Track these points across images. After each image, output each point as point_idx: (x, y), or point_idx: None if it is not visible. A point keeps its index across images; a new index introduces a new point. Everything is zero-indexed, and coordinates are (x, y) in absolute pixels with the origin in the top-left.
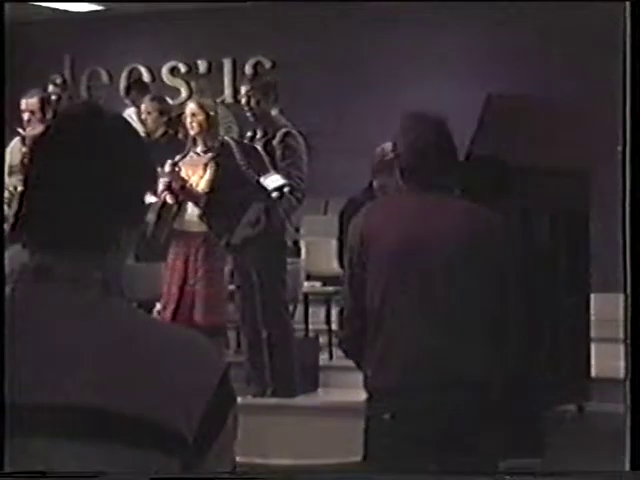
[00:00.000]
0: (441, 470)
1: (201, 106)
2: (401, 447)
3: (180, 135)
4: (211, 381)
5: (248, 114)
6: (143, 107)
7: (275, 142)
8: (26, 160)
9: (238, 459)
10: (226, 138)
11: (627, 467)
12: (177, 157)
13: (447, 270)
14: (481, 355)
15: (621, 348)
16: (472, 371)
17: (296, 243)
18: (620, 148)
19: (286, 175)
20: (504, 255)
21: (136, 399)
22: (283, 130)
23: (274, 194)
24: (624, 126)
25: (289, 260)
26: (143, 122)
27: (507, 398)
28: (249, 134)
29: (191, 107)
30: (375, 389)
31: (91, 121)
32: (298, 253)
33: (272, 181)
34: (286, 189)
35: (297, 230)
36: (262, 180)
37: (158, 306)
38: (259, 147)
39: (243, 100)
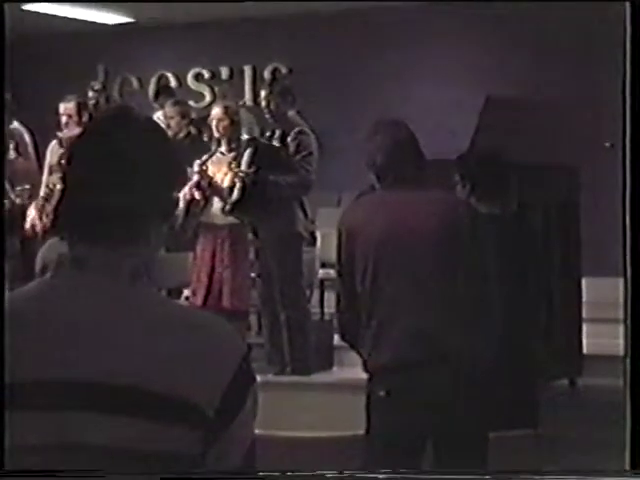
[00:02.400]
0: (441, 470)
1: (226, 112)
2: (397, 421)
3: (205, 136)
4: (232, 362)
5: (267, 116)
6: (166, 111)
7: (289, 139)
8: (63, 160)
9: (257, 432)
10: (246, 137)
11: (627, 467)
12: (204, 157)
13: (428, 254)
14: (467, 333)
15: (609, 328)
16: (459, 347)
17: (312, 234)
18: (608, 144)
19: (296, 168)
20: (477, 238)
21: (163, 377)
22: (297, 129)
23: None
24: (624, 123)
25: (306, 249)
26: (168, 125)
27: (499, 372)
28: (268, 133)
29: (217, 112)
30: (371, 368)
31: (124, 123)
32: (314, 243)
33: None
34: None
35: (312, 222)
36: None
37: (186, 292)
38: (276, 143)
39: (263, 103)
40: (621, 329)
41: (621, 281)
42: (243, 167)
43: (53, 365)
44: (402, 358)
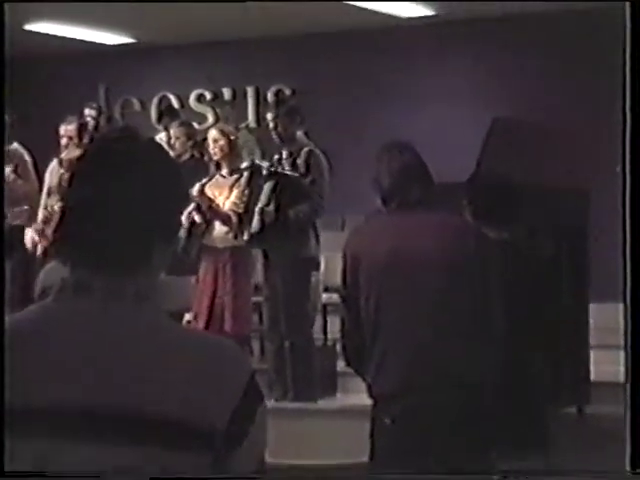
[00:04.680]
0: (441, 470)
1: (222, 132)
2: (402, 449)
3: (206, 158)
4: (240, 382)
5: (275, 137)
6: (172, 132)
7: (300, 161)
8: (64, 182)
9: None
10: (257, 162)
11: (627, 467)
12: (204, 180)
13: (433, 280)
14: (474, 359)
15: (620, 354)
16: (465, 374)
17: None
18: (619, 169)
19: (311, 195)
20: (485, 263)
21: (169, 402)
22: (306, 149)
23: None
24: (623, 139)
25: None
26: (172, 146)
27: (506, 399)
28: (276, 156)
29: (213, 134)
30: (376, 394)
31: (127, 145)
32: (317, 267)
33: None
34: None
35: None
36: None
37: (187, 316)
38: (287, 167)
39: (270, 125)
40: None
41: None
42: (263, 202)
43: (56, 391)
44: (407, 384)
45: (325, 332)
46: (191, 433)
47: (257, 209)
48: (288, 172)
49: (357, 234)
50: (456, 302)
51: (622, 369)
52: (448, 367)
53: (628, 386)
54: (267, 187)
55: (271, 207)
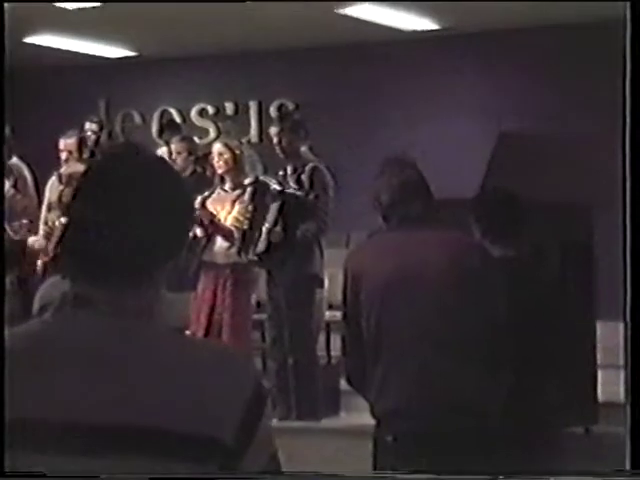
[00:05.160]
0: (441, 470)
1: (227, 146)
2: (404, 468)
3: (208, 173)
4: (247, 387)
5: (279, 152)
6: (173, 147)
7: (304, 176)
8: (64, 197)
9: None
10: (261, 178)
11: (627, 467)
12: (205, 193)
13: (436, 298)
14: (477, 379)
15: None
16: (469, 394)
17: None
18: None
19: (309, 201)
20: (490, 281)
21: (177, 414)
22: (311, 165)
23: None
24: (623, 148)
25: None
26: (173, 161)
27: (510, 419)
28: (281, 172)
29: (218, 147)
30: (378, 414)
31: (133, 160)
32: (321, 284)
33: None
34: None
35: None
36: None
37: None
38: (292, 184)
39: (274, 140)
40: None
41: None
42: (270, 222)
43: (56, 407)
44: (409, 404)
45: (328, 350)
46: (199, 443)
47: (264, 229)
48: (295, 192)
49: (357, 251)
50: (459, 321)
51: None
52: (451, 387)
53: (628, 385)
54: (274, 207)
55: (278, 228)
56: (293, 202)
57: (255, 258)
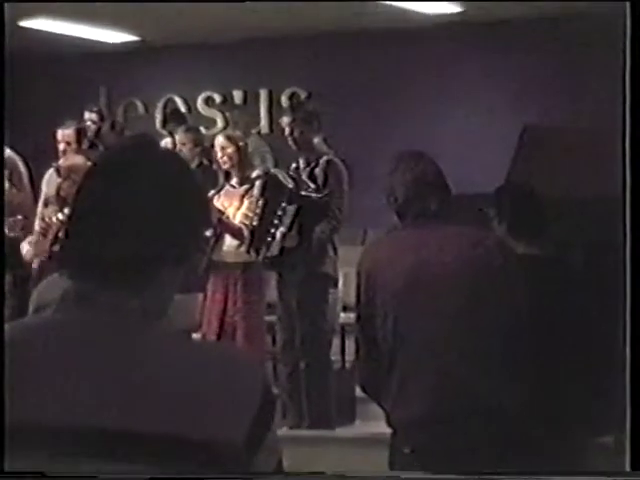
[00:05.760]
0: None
1: (229, 138)
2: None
3: (215, 166)
4: (256, 388)
5: (291, 143)
6: (177, 138)
7: (318, 170)
8: (62, 191)
9: None
10: (272, 170)
11: (627, 467)
12: (213, 190)
13: (455, 298)
14: (500, 385)
15: None
16: (491, 400)
17: (335, 273)
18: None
19: (325, 203)
20: (512, 280)
21: (188, 419)
22: (325, 158)
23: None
24: (623, 143)
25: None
26: None
27: (536, 427)
28: (293, 165)
29: (219, 141)
30: (395, 423)
31: (141, 153)
32: (335, 284)
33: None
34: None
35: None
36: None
37: (195, 337)
38: (305, 178)
39: (286, 131)
40: None
41: None
42: (285, 226)
43: (56, 407)
44: (428, 413)
45: (343, 354)
46: (202, 448)
47: (279, 234)
48: (312, 194)
49: (371, 250)
50: (480, 323)
51: None
52: (473, 394)
53: (628, 385)
54: (290, 211)
55: (294, 232)
56: (310, 206)
57: (266, 261)
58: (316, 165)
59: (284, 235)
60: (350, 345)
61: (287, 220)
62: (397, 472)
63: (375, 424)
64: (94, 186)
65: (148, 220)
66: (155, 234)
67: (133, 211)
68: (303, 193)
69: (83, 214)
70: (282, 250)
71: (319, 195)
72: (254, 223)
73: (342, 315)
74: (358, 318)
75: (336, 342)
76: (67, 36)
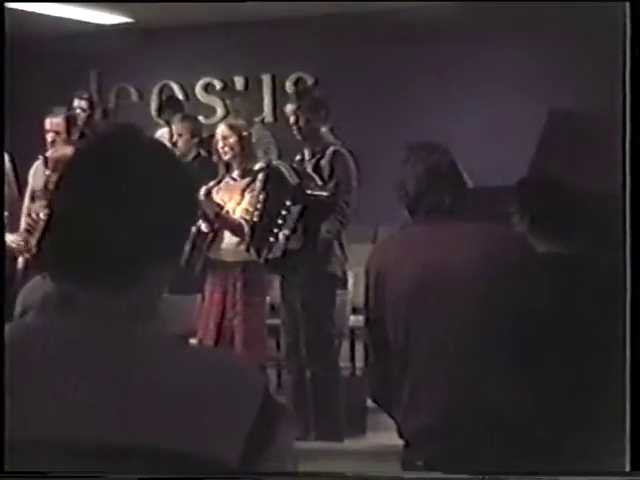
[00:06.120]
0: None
1: (232, 127)
2: None
3: (214, 157)
4: (253, 399)
5: (295, 133)
6: (174, 128)
7: (323, 161)
8: (50, 184)
9: None
10: (274, 162)
11: (627, 467)
12: (212, 183)
13: (471, 300)
14: (521, 394)
15: None
16: (511, 411)
17: (343, 274)
18: None
19: (333, 201)
20: (533, 281)
21: (174, 431)
22: (332, 148)
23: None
24: (623, 141)
25: (336, 292)
26: (174, 144)
27: (558, 439)
28: (297, 157)
29: (222, 130)
30: (406, 434)
31: (125, 144)
32: (345, 285)
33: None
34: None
35: (346, 259)
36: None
37: (193, 342)
38: (310, 170)
39: (291, 119)
40: None
41: None
42: (289, 227)
43: (38, 420)
44: (442, 423)
45: (353, 360)
46: (197, 463)
47: (282, 235)
48: (318, 193)
49: (381, 248)
50: (498, 328)
51: None
52: (489, 404)
53: (628, 384)
54: (294, 211)
55: (298, 233)
56: (316, 206)
57: (268, 263)
58: (322, 156)
59: (287, 237)
60: (361, 350)
61: (291, 221)
62: (399, 473)
63: (388, 435)
64: (74, 180)
65: (133, 215)
66: (141, 230)
67: (117, 206)
68: (309, 192)
69: (63, 210)
70: (285, 252)
71: (326, 193)
72: (255, 219)
73: (352, 318)
74: (367, 321)
75: (346, 347)
76: (53, 17)
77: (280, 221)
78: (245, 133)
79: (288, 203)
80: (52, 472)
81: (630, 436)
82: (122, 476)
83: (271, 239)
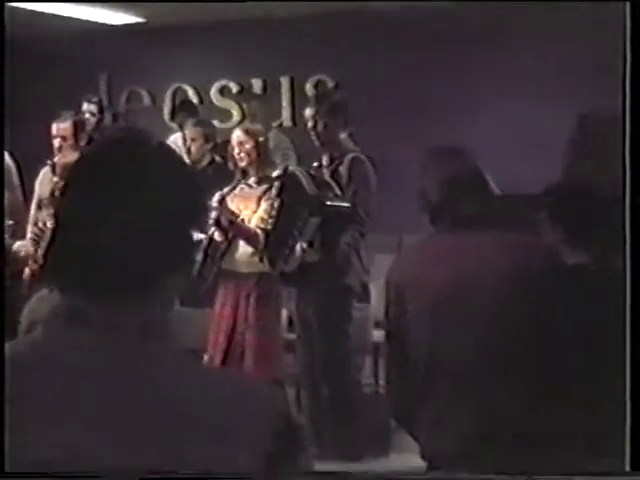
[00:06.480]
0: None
1: (248, 132)
2: None
3: (230, 164)
4: (272, 427)
5: (313, 139)
6: (187, 133)
7: (342, 168)
8: (57, 192)
9: None
10: (290, 168)
11: (627, 467)
12: (226, 189)
13: (497, 315)
14: (549, 413)
15: None
16: (543, 435)
17: (365, 286)
18: None
19: (352, 208)
20: (564, 295)
21: (188, 456)
22: (351, 155)
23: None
24: (623, 141)
25: (357, 305)
26: (188, 150)
27: (586, 460)
28: (315, 164)
29: (237, 135)
30: (430, 456)
31: (133, 150)
32: (367, 297)
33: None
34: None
35: (366, 271)
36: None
37: (205, 358)
38: (328, 178)
39: (309, 124)
40: None
41: None
42: (307, 238)
43: (45, 442)
44: (468, 446)
45: (376, 377)
46: None
47: (298, 247)
48: (338, 204)
49: (402, 259)
50: (526, 346)
51: None
52: (519, 425)
53: (628, 385)
54: (312, 223)
55: (316, 246)
56: (335, 216)
57: (283, 276)
58: (340, 163)
59: (305, 249)
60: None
61: (309, 232)
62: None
63: (412, 457)
64: (80, 188)
65: (142, 224)
66: (151, 239)
67: (125, 214)
68: (328, 203)
69: (69, 219)
70: (302, 265)
71: (346, 204)
72: (268, 227)
73: (375, 332)
74: (388, 336)
75: (368, 363)
76: (61, 16)
77: (297, 232)
78: (262, 138)
79: (305, 213)
80: (52, 472)
81: (630, 436)
82: (122, 476)
83: (287, 251)
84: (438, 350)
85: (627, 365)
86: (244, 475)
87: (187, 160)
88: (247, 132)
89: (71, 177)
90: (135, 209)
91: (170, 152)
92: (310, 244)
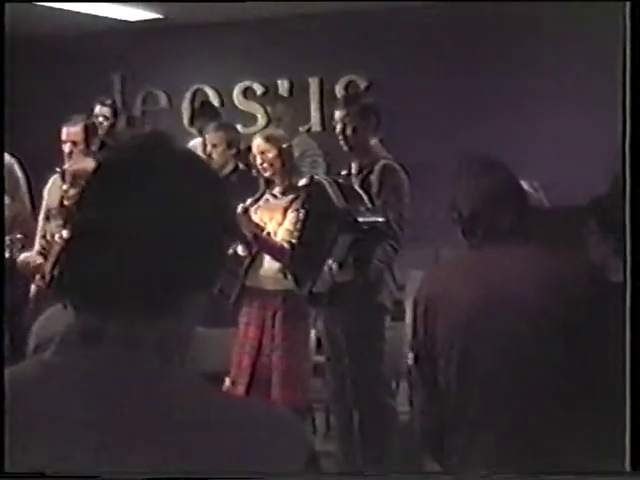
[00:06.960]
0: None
1: (269, 140)
2: None
3: (254, 171)
4: (296, 461)
5: (342, 144)
6: (207, 138)
7: (373, 177)
8: (66, 201)
9: None
10: (316, 177)
11: (627, 467)
12: (249, 200)
13: (533, 335)
14: (595, 446)
15: None
16: (584, 463)
17: (399, 304)
18: None
19: (386, 223)
20: (605, 315)
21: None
22: (382, 162)
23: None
24: (623, 144)
25: (391, 324)
26: (208, 156)
27: None
28: (344, 172)
29: (258, 143)
30: None
31: (156, 156)
32: (401, 315)
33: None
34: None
35: (401, 288)
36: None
37: (227, 382)
38: (357, 187)
39: (338, 127)
40: None
41: None
42: (337, 259)
43: (59, 463)
44: (500, 473)
45: (412, 403)
46: None
47: (326, 267)
48: (371, 220)
49: (432, 275)
50: (567, 370)
51: None
52: (560, 456)
53: (628, 385)
54: (344, 242)
55: (347, 265)
56: (367, 234)
57: (312, 297)
58: (370, 171)
59: (332, 269)
60: None
61: (339, 253)
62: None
63: None
64: (97, 197)
65: (164, 237)
66: (172, 253)
67: (145, 226)
68: (360, 219)
69: (85, 231)
70: (332, 286)
71: (380, 219)
72: (293, 240)
73: (410, 355)
74: (416, 360)
75: (404, 387)
76: (73, 13)
77: (325, 251)
78: (285, 145)
79: (334, 229)
80: (52, 472)
81: (630, 436)
82: (122, 476)
83: (314, 270)
84: (469, 374)
85: (627, 365)
86: (247, 475)
87: None
88: (268, 139)
89: (87, 186)
90: (157, 220)
91: (197, 158)
92: (340, 265)
